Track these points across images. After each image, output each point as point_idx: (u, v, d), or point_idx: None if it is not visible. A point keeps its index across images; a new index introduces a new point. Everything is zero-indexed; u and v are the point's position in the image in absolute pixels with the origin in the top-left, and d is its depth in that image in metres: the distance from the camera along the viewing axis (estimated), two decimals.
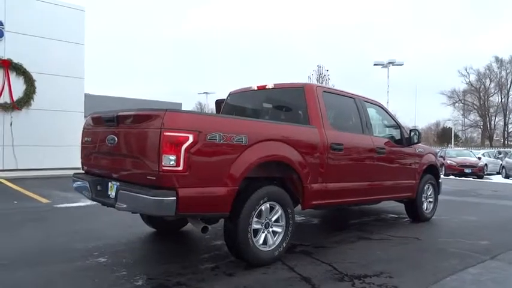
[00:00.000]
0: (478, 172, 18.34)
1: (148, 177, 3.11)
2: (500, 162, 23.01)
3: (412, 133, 5.50)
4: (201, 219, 3.53)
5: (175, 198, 2.99)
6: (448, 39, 78.25)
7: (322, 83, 21.77)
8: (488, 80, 56.35)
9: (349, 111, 4.86)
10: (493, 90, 55.80)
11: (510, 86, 53.86)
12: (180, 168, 3.01)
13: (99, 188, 3.76)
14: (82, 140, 4.16)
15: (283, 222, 3.79)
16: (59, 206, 6.67)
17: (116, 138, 3.48)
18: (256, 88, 4.93)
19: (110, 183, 3.67)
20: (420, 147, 5.94)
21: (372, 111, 5.26)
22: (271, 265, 3.64)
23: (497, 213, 7.37)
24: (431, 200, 6.24)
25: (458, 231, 5.49)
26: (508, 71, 54.76)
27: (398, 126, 5.67)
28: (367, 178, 4.83)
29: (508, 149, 35.40)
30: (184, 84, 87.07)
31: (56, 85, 12.81)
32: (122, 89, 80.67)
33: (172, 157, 3.00)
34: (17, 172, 11.61)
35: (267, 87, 4.80)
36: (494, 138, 55.94)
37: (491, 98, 56.15)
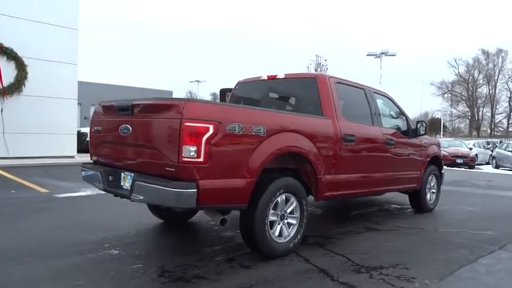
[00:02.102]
0: (470, 162, 18.61)
1: (166, 168, 3.04)
2: (490, 152, 23.39)
3: (419, 124, 5.50)
4: (217, 211, 3.48)
5: (195, 190, 2.93)
6: (439, 31, 78.70)
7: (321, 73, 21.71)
8: (476, 72, 57.00)
9: (360, 102, 4.82)
10: (481, 82, 56.49)
11: (498, 78, 54.60)
12: (201, 159, 2.95)
13: (110, 178, 3.67)
14: (91, 129, 4.05)
15: (297, 214, 3.77)
16: (59, 195, 6.54)
17: (130, 128, 3.39)
18: (266, 78, 4.86)
19: (122, 174, 3.58)
20: (425, 139, 5.95)
21: (380, 102, 5.24)
22: (286, 257, 3.63)
23: (496, 204, 7.48)
24: (434, 190, 6.29)
25: (462, 221, 5.55)
26: (495, 63, 55.45)
27: (405, 117, 5.67)
28: (377, 169, 4.83)
29: (496, 140, 36.01)
30: (174, 72, 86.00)
31: (48, 71, 12.49)
32: (111, 76, 79.49)
33: (193, 148, 2.93)
34: (8, 160, 11.36)
35: (277, 77, 4.73)
36: (481, 128, 56.79)
37: (479, 89, 56.92)
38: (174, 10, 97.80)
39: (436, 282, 3.16)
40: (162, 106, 3.14)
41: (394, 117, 5.55)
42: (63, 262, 3.36)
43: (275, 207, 3.57)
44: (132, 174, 3.43)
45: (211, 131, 2.98)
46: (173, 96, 43.78)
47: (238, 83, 5.27)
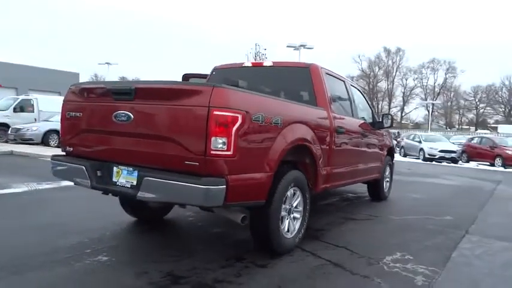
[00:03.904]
0: None
1: (187, 162, 2.69)
2: (395, 142, 25.82)
3: (385, 117, 5.71)
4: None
5: (225, 186, 2.64)
6: (347, 28, 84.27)
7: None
8: (377, 68, 62.42)
9: (343, 94, 4.83)
10: (381, 77, 62.02)
11: (395, 74, 60.51)
12: (230, 152, 2.66)
13: (98, 173, 3.15)
14: (64, 115, 3.43)
15: (301, 208, 3.65)
16: None
17: (131, 115, 2.93)
18: (250, 65, 4.61)
19: (115, 168, 3.11)
20: (383, 131, 6.23)
21: (355, 94, 5.32)
22: (293, 252, 3.50)
23: (432, 190, 8.19)
24: (388, 179, 6.65)
25: (418, 208, 5.96)
26: (393, 60, 61.43)
27: (371, 109, 5.86)
28: (357, 161, 4.93)
29: (394, 130, 39.82)
30: (79, 53, 78.74)
31: None
32: (4, 53, 69.98)
33: (221, 140, 2.63)
34: None
35: (264, 64, 4.52)
36: None
37: (379, 84, 62.43)
38: None
39: (444, 269, 3.30)
40: (182, 91, 2.76)
41: (363, 109, 5.69)
42: (48, 275, 2.81)
43: (285, 202, 3.41)
44: (131, 169, 3.00)
45: (239, 121, 2.71)
46: (80, 79, 40.55)
47: (215, 69, 4.93)
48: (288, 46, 30.06)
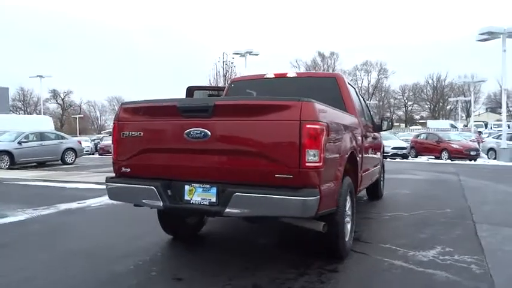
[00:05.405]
0: None
1: (278, 175, 2.74)
2: None
3: (384, 121, 6.07)
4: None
5: (319, 197, 2.73)
6: (284, 34, 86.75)
7: (228, 70, 21.73)
8: (314, 71, 64.97)
9: (358, 100, 5.08)
10: None
11: None
12: (320, 163, 2.76)
13: (169, 193, 3.07)
14: (118, 135, 3.28)
15: (350, 212, 3.81)
16: None
17: (209, 132, 2.91)
18: (273, 76, 4.70)
19: (187, 186, 3.05)
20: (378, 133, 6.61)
21: (362, 100, 5.61)
22: (350, 255, 3.65)
23: (411, 185, 8.75)
24: (382, 179, 7.05)
25: (416, 203, 6.37)
26: (328, 64, 64.41)
27: (370, 113, 6.21)
28: (371, 163, 5.21)
29: None
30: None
31: None
32: None
33: (313, 152, 2.73)
34: None
35: (287, 75, 4.64)
36: None
37: None
38: None
39: (485, 257, 3.63)
40: (268, 107, 2.80)
41: (367, 113, 6.01)
42: None
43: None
44: (208, 186, 2.98)
45: (325, 133, 2.82)
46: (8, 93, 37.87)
47: (233, 81, 4.95)
48: (234, 53, 30.42)
